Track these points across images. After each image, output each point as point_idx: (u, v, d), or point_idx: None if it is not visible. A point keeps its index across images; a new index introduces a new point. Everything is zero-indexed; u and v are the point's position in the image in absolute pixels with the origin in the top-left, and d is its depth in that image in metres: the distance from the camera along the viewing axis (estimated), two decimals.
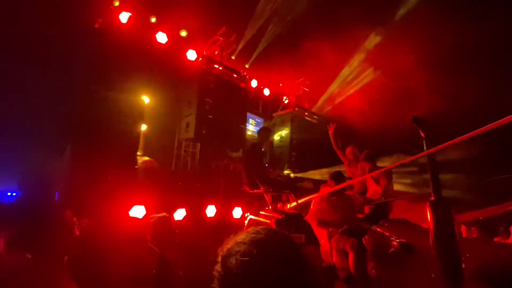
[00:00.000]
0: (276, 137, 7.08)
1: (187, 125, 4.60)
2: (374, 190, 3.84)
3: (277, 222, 2.82)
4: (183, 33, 5.49)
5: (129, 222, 3.81)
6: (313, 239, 2.80)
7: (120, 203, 3.87)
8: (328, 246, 2.97)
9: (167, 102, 5.14)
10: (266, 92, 7.48)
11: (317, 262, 2.80)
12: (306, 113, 7.41)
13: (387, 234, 2.43)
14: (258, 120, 7.18)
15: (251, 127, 6.92)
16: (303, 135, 7.02)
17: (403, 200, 3.65)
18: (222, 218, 4.94)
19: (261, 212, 3.26)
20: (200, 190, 4.88)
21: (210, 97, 4.71)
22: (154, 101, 5.07)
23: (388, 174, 3.80)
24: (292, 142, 6.80)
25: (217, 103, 4.83)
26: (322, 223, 3.14)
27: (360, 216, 3.07)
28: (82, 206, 3.37)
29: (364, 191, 4.09)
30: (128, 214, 3.79)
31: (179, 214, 4.38)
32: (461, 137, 1.84)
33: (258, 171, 3.48)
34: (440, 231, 1.68)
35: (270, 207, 3.71)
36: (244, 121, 5.85)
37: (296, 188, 3.74)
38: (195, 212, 4.67)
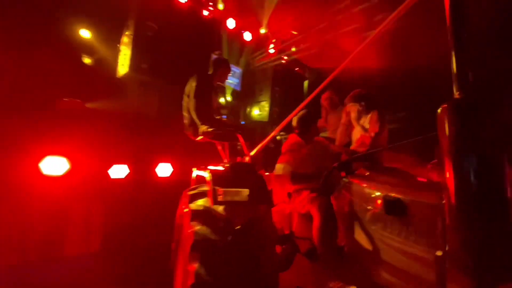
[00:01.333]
0: (256, 91, 6.03)
1: (124, 58, 3.52)
2: (360, 140, 2.92)
3: (213, 174, 1.93)
4: None
5: (39, 180, 2.97)
6: (263, 196, 1.95)
7: (29, 153, 2.99)
8: (288, 208, 2.13)
9: (109, 35, 4.02)
10: (247, 36, 6.26)
11: (270, 226, 1.97)
12: (291, 63, 6.23)
13: (366, 186, 1.54)
14: (236, 70, 6.06)
15: None
16: (288, 88, 5.96)
17: (398, 151, 2.73)
18: (182, 180, 4.10)
19: (209, 167, 2.40)
20: (152, 145, 3.98)
21: (155, 21, 3.53)
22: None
23: (381, 118, 2.84)
24: (275, 96, 5.77)
25: (167, 31, 3.68)
26: (295, 178, 2.27)
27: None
28: None
29: (348, 144, 3.17)
30: (38, 168, 2.93)
31: (118, 170, 3.53)
32: None
33: (202, 109, 2.53)
34: (470, 170, 0.77)
35: (225, 161, 2.83)
36: (207, 63, 4.71)
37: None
38: (145, 171, 3.83)
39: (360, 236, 1.63)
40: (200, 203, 1.95)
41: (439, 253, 0.99)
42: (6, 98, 2.93)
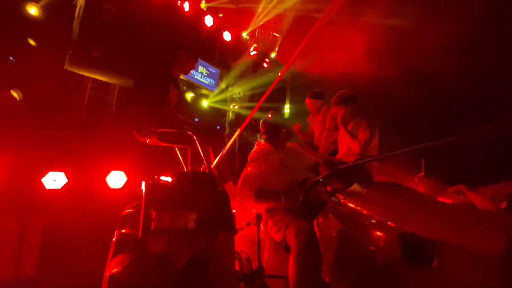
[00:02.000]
0: (235, 92, 5.54)
1: (72, 44, 2.85)
2: (347, 148, 2.48)
3: (150, 188, 1.37)
4: None
5: None
6: (222, 221, 1.41)
7: None
8: (256, 234, 1.59)
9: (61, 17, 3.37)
10: (227, 36, 5.82)
11: (232, 266, 1.42)
12: (268, 64, 5.82)
13: (364, 212, 1.05)
14: (213, 70, 5.55)
15: (201, 77, 5.30)
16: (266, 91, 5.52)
17: (393, 161, 2.32)
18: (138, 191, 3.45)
19: (161, 178, 1.83)
20: (101, 150, 3.31)
21: (114, 5, 2.92)
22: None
23: (371, 124, 2.43)
24: (253, 100, 5.30)
25: (130, 18, 3.08)
26: (260, 194, 1.74)
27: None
28: None
29: (334, 152, 2.73)
30: None
31: (52, 179, 2.83)
32: None
33: (154, 108, 1.97)
34: None
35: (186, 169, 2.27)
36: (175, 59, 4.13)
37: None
38: (90, 180, 3.14)
39: (351, 281, 1.12)
40: (129, 232, 1.38)
41: None
42: None
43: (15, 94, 3.15)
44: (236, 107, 5.24)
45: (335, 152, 2.70)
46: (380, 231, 0.89)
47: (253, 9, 6.08)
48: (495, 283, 0.59)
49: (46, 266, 3.07)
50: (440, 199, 1.32)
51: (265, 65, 5.91)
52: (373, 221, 0.95)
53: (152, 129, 1.74)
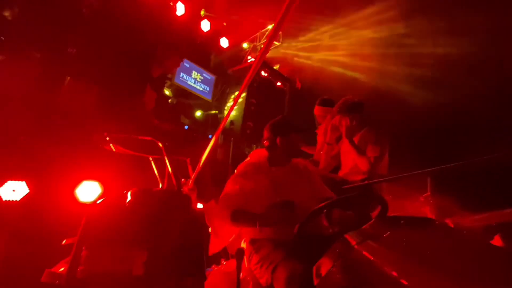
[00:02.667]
0: (230, 101, 5.24)
1: None
2: (353, 164, 2.12)
3: (94, 212, 0.99)
4: None
5: None
6: (189, 262, 1.03)
7: None
8: (236, 274, 1.21)
9: None
10: (224, 43, 5.58)
11: None
12: (267, 73, 5.57)
13: (376, 261, 0.69)
14: (208, 76, 5.27)
15: (194, 83, 5.00)
16: (266, 101, 5.23)
17: (402, 183, 1.97)
18: (44, 205, 2.98)
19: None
20: (78, 155, 2.92)
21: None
22: None
23: (382, 138, 2.09)
24: (250, 109, 4.99)
25: (110, 12, 2.78)
26: (236, 216, 1.33)
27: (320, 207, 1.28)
28: None
29: (336, 169, 2.37)
30: None
31: (10, 189, 2.43)
32: None
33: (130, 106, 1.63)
34: None
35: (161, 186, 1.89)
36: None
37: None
38: (56, 190, 2.75)
39: None
40: (59, 273, 0.99)
41: None
42: None
43: None
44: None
45: (337, 168, 2.35)
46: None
47: (252, 17, 5.91)
48: None
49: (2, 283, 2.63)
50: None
51: (263, 73, 5.66)
52: (403, 284, 0.59)
53: (105, 134, 1.38)
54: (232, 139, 4.85)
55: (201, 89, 5.10)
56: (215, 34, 5.47)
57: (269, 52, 6.02)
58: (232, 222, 1.34)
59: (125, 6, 3.05)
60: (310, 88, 5.88)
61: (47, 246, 2.60)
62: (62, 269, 1.09)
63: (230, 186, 1.47)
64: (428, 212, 2.16)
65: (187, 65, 4.81)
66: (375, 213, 1.13)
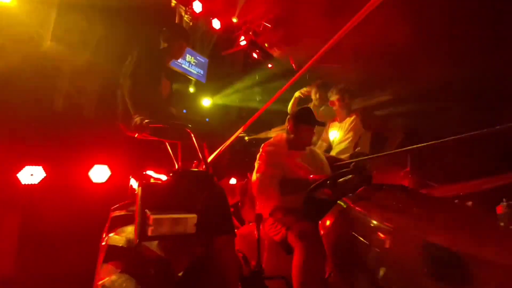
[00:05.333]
0: (224, 84, 5.37)
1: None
2: (343, 145, 2.46)
3: (145, 188, 1.25)
4: None
5: None
6: (222, 223, 1.34)
7: None
8: (256, 234, 1.54)
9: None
10: (216, 24, 5.57)
11: (229, 268, 1.36)
12: (257, 55, 5.65)
13: (377, 218, 1.02)
14: (201, 59, 5.32)
15: (189, 66, 5.07)
16: (258, 83, 5.41)
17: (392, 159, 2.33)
18: (120, 186, 3.27)
19: (148, 172, 1.71)
20: (84, 142, 3.07)
21: None
22: None
23: (367, 123, 2.42)
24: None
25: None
26: (286, 189, 1.64)
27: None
28: None
29: (328, 147, 2.71)
30: None
31: (29, 174, 2.60)
32: None
33: (142, 92, 1.82)
34: None
35: (177, 166, 2.14)
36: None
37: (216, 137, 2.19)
38: (69, 174, 2.93)
39: (351, 275, 1.11)
40: (122, 236, 1.27)
41: None
42: None
43: None
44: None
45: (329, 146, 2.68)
46: (399, 239, 0.85)
47: None
48: None
49: (24, 265, 2.88)
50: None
51: (255, 55, 5.76)
52: (389, 228, 0.92)
53: (145, 122, 1.59)
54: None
55: (195, 72, 5.17)
56: (206, 15, 5.45)
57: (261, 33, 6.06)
58: (281, 190, 1.65)
59: None
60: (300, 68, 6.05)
61: (65, 222, 2.85)
62: (114, 234, 1.36)
63: (266, 163, 1.75)
64: (407, 184, 2.57)
65: None
66: (363, 183, 1.46)
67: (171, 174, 1.39)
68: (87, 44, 2.87)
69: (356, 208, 1.09)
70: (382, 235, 0.93)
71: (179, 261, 1.18)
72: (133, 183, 1.98)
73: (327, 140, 2.69)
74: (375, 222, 0.98)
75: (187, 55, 5.03)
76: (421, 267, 0.73)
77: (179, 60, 4.85)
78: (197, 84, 5.35)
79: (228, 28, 5.78)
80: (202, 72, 5.34)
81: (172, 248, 1.20)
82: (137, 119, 1.69)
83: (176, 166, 2.17)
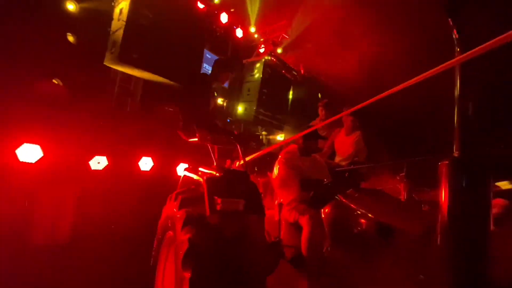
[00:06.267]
0: (244, 89, 6.02)
1: (113, 45, 3.30)
2: (345, 154, 3.12)
3: (209, 180, 1.96)
4: None
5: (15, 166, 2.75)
6: (257, 207, 2.03)
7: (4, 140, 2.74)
8: (277, 216, 2.24)
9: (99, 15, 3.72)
10: (239, 33, 6.20)
11: (260, 236, 2.06)
12: (280, 66, 6.30)
13: (356, 207, 1.69)
14: None
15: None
16: (276, 90, 6.04)
17: (384, 168, 2.97)
18: (162, 174, 4.03)
19: (200, 169, 2.39)
20: (133, 138, 3.82)
21: (151, 10, 3.37)
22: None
23: (365, 139, 3.06)
24: (261, 98, 5.81)
25: (161, 22, 3.53)
26: (304, 186, 2.33)
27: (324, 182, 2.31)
28: None
29: (331, 156, 3.37)
30: (15, 154, 2.69)
31: (97, 162, 3.36)
32: None
33: (198, 112, 2.51)
34: (462, 214, 0.92)
35: (215, 164, 2.84)
36: (200, 59, 4.60)
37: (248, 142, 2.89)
38: (125, 164, 3.68)
39: (345, 250, 1.79)
40: (193, 209, 1.97)
41: (421, 277, 1.16)
42: None
43: (56, 82, 3.57)
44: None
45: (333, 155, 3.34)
46: (364, 219, 1.53)
47: (264, 7, 6.42)
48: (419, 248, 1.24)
49: (77, 233, 3.63)
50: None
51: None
52: (360, 213, 1.59)
53: (205, 134, 2.29)
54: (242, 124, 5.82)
55: None
56: (230, 24, 6.07)
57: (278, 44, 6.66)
58: (301, 188, 2.32)
59: (172, 15, 3.75)
60: (312, 77, 6.63)
61: (114, 200, 3.58)
62: (184, 210, 2.07)
63: (286, 166, 2.43)
64: (401, 187, 3.20)
65: (209, 56, 5.50)
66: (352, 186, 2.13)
67: (221, 171, 2.08)
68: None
69: (345, 201, 1.77)
70: (358, 219, 1.61)
71: (231, 228, 1.88)
72: (187, 174, 2.67)
73: (331, 147, 3.35)
74: (355, 211, 1.66)
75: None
76: (374, 233, 1.41)
77: (207, 67, 5.53)
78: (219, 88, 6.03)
79: (250, 37, 6.41)
80: None
81: (225, 219, 1.90)
82: (201, 132, 2.38)
83: (215, 164, 2.88)
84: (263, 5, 6.35)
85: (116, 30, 3.29)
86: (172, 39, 3.65)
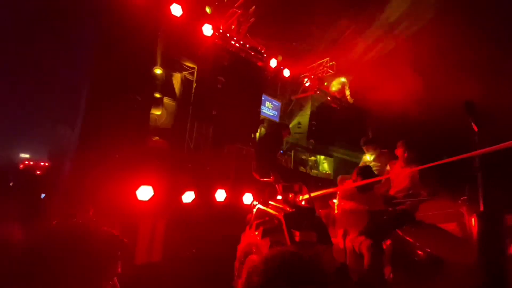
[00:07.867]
0: (294, 122, 6.68)
1: None
2: (401, 186, 3.42)
3: (287, 216, 2.55)
4: (207, 10, 5.10)
5: (136, 205, 3.77)
6: (325, 237, 2.53)
7: (127, 183, 3.81)
8: (342, 245, 2.69)
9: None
10: (286, 73, 6.97)
11: (329, 263, 2.54)
12: (329, 98, 6.85)
13: (412, 241, 2.09)
14: (276, 104, 6.78)
15: (267, 110, 6.55)
16: (323, 121, 6.56)
17: (432, 200, 3.21)
18: (232, 204, 4.79)
19: (270, 203, 3.01)
20: (210, 174, 4.72)
21: (224, 75, 4.39)
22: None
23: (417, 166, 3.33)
24: (311, 129, 6.38)
25: (231, 82, 4.51)
26: (349, 223, 2.82)
27: (381, 216, 2.72)
28: (89, 185, 3.34)
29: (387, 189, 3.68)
30: (135, 195, 3.73)
31: (188, 196, 4.27)
32: None
33: (270, 159, 3.21)
34: (488, 250, 1.33)
35: (281, 197, 3.46)
36: (259, 103, 5.49)
37: (310, 179, 3.46)
38: (205, 196, 4.55)
39: (405, 275, 2.16)
40: (274, 238, 2.58)
41: None
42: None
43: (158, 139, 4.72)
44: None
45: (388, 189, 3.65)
46: (420, 251, 1.93)
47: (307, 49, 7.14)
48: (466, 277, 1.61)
49: (168, 253, 4.49)
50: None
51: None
52: (414, 244, 1.99)
53: (278, 176, 2.97)
54: (293, 150, 6.42)
55: (272, 114, 6.64)
56: (278, 65, 6.92)
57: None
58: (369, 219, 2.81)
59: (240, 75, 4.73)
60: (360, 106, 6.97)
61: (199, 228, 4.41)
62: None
63: (346, 202, 2.94)
64: (464, 210, 3.30)
65: (263, 98, 6.38)
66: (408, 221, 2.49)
67: (294, 207, 2.66)
68: None
69: (401, 235, 2.17)
70: (415, 250, 2.01)
71: (305, 252, 2.42)
72: (259, 206, 3.33)
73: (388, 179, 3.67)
74: (409, 244, 2.06)
75: (267, 102, 6.53)
76: (427, 263, 1.81)
77: (265, 110, 6.41)
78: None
79: (297, 74, 7.15)
80: (276, 113, 6.78)
81: (303, 248, 2.45)
82: (275, 174, 3.05)
83: (279, 197, 3.49)
84: (307, 46, 7.08)
85: (196, 96, 4.36)
86: (240, 95, 4.61)
